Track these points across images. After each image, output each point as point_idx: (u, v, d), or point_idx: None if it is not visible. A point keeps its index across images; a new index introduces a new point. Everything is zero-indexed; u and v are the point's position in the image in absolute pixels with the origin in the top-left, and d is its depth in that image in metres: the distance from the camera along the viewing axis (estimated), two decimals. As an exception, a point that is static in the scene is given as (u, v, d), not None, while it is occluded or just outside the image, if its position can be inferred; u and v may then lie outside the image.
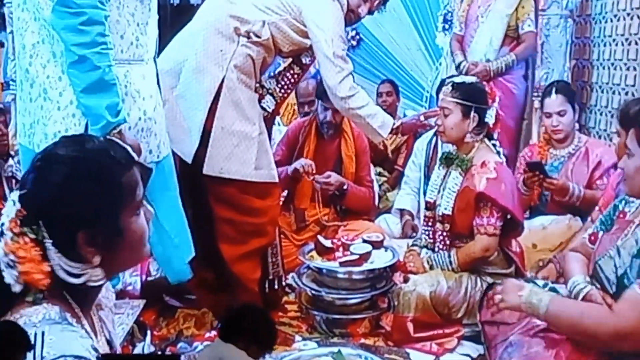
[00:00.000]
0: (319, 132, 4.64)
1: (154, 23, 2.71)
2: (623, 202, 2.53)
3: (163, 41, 3.38)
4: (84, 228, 1.54)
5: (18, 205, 1.52)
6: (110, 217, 1.58)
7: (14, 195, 1.55)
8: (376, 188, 5.03)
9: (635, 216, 2.41)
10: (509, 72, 5.01)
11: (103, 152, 1.60)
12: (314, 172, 4.43)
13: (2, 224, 1.52)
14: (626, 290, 2.25)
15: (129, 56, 2.54)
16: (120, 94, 2.39)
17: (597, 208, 3.48)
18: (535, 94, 5.05)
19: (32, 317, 1.47)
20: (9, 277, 1.49)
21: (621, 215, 2.49)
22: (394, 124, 3.64)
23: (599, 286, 2.45)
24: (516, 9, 4.99)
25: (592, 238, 2.59)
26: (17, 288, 1.49)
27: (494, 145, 3.61)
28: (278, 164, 3.79)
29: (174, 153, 3.30)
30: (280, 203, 3.87)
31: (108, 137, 2.30)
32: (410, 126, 3.93)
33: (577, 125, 4.36)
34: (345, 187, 4.51)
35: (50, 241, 1.51)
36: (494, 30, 5.00)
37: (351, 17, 3.63)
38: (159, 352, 3.26)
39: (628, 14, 4.42)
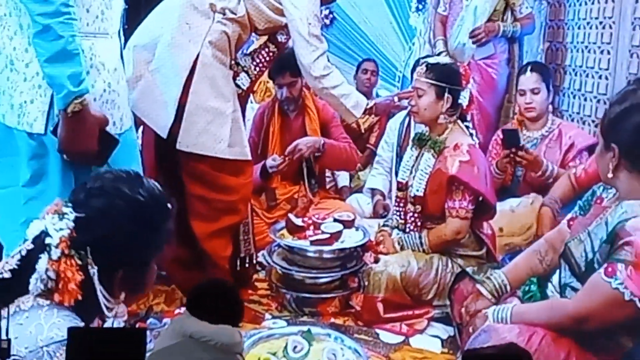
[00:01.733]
0: (283, 111, 4.64)
1: None
2: (601, 187, 2.54)
3: (139, 16, 3.35)
4: (124, 266, 1.62)
5: (71, 225, 1.56)
6: (147, 260, 1.69)
7: (69, 212, 1.59)
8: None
9: (611, 202, 2.42)
10: (490, 57, 5.02)
11: (157, 197, 1.69)
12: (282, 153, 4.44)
13: (49, 236, 1.56)
14: (592, 275, 2.28)
15: (95, 29, 2.54)
16: (84, 65, 2.40)
17: None
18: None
19: (39, 301, 1.49)
20: (35, 289, 1.54)
21: (598, 201, 2.51)
22: (367, 104, 3.64)
23: (567, 267, 2.48)
24: None
25: (571, 222, 2.61)
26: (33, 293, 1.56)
27: (467, 127, 3.62)
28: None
29: (150, 128, 3.29)
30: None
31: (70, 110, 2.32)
32: (384, 107, 3.93)
33: (550, 107, 4.38)
34: (322, 142, 4.50)
35: (96, 268, 1.58)
36: (477, 15, 4.96)
37: (327, -3, 3.63)
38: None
39: (602, -3, 4.43)
